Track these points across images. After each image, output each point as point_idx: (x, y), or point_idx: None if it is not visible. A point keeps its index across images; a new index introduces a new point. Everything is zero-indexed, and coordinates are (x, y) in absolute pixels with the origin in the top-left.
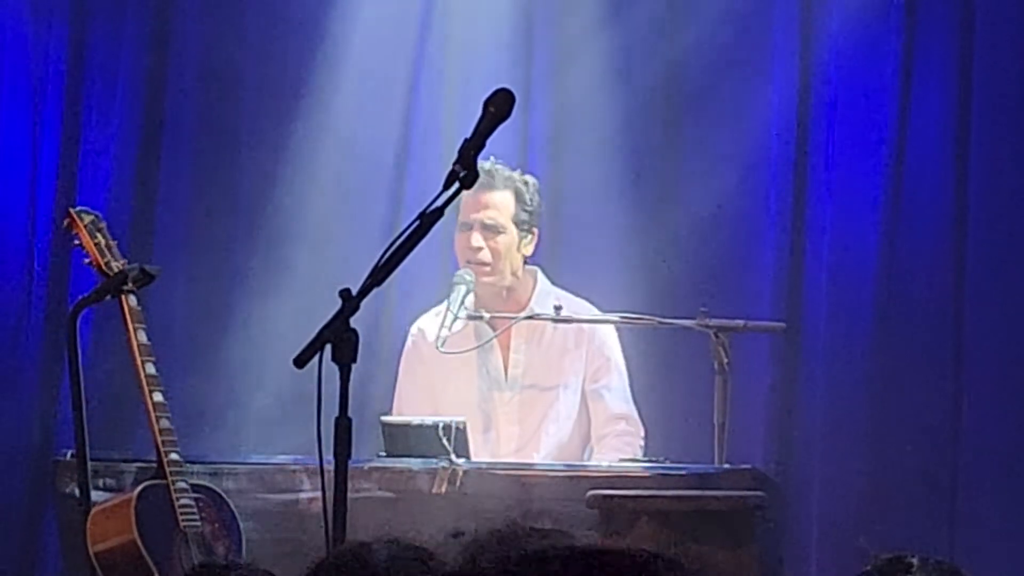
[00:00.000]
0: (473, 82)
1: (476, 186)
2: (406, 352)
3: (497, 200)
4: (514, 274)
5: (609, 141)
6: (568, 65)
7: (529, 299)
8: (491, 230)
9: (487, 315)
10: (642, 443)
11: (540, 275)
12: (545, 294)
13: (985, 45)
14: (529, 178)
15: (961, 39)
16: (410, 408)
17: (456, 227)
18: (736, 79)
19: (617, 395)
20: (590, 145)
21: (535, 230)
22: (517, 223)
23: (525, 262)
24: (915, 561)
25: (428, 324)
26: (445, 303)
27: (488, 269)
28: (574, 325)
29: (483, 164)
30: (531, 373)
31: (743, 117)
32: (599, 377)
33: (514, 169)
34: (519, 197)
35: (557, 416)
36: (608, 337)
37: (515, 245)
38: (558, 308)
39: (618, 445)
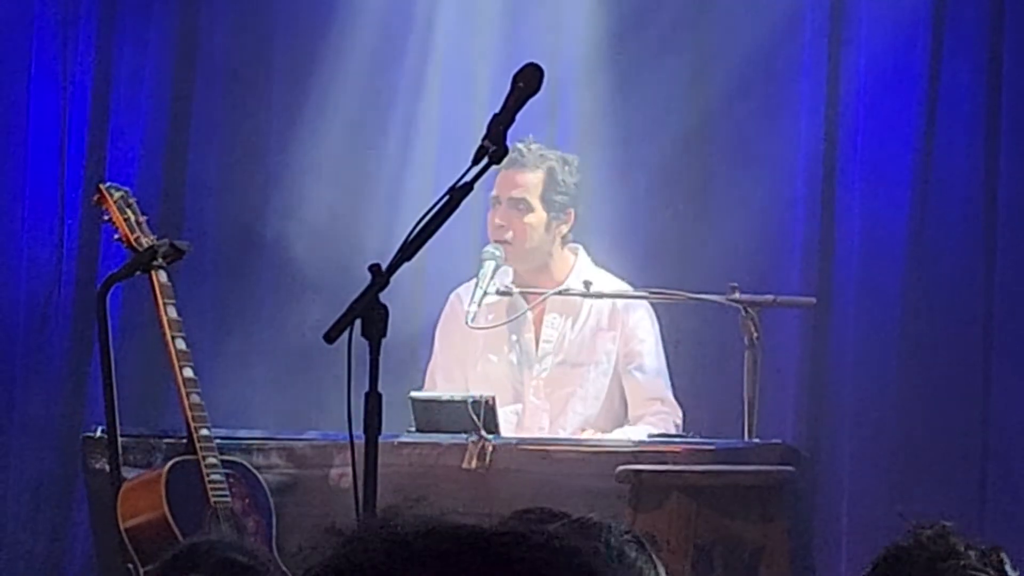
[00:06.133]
0: (492, 57)
1: (509, 163)
2: (444, 318)
3: (526, 179)
4: (547, 253)
5: (641, 118)
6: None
7: (567, 277)
8: (517, 208)
9: (516, 290)
10: (678, 422)
11: (582, 252)
12: (581, 272)
13: (1016, 29)
14: (569, 156)
15: (992, 20)
16: (444, 375)
17: (490, 201)
18: (767, 62)
19: (651, 376)
20: (622, 123)
21: (571, 211)
22: (547, 203)
23: (564, 243)
24: (949, 525)
25: (466, 292)
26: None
27: (510, 248)
28: (609, 306)
29: (518, 143)
30: (562, 350)
31: (775, 97)
32: (632, 359)
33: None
34: (552, 176)
35: (585, 395)
36: (643, 320)
37: (543, 224)
38: (588, 283)
39: (653, 421)
